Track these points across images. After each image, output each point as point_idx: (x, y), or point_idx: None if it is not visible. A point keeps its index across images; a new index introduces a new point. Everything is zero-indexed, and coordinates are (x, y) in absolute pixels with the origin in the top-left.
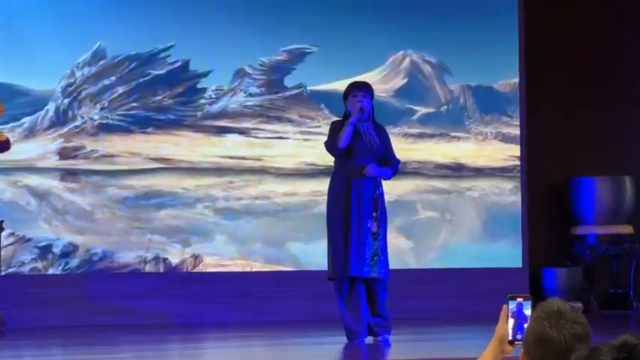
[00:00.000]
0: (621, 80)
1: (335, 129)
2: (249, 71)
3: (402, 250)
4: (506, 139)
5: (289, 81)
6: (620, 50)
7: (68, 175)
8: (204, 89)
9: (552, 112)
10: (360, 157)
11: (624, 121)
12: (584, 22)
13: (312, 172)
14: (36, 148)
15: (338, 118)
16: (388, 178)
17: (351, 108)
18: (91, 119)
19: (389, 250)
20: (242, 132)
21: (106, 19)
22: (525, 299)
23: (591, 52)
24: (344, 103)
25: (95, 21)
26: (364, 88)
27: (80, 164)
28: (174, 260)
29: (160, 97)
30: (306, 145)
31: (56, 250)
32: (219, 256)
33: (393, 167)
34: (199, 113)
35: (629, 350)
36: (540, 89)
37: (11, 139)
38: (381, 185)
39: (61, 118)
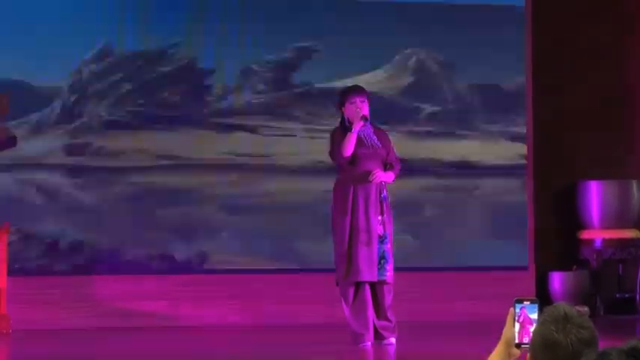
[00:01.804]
0: (629, 83)
1: (337, 138)
2: (256, 69)
3: (407, 250)
4: (512, 137)
5: (296, 79)
6: (628, 51)
7: (75, 171)
8: (210, 86)
9: (559, 116)
10: (365, 164)
11: (631, 125)
12: (591, 22)
13: (318, 170)
14: (43, 145)
15: (337, 125)
16: (391, 181)
17: (350, 115)
18: (98, 116)
19: (395, 249)
20: (249, 129)
21: (113, 17)
22: (532, 302)
23: (599, 53)
24: (340, 109)
25: (102, 18)
26: (361, 93)
27: (87, 161)
28: (181, 258)
29: (166, 95)
30: (312, 142)
31: (62, 247)
32: (226, 254)
33: (396, 170)
34: (206, 110)
35: (638, 355)
36: (547, 88)
37: (18, 136)
38: (385, 188)
39: (68, 115)
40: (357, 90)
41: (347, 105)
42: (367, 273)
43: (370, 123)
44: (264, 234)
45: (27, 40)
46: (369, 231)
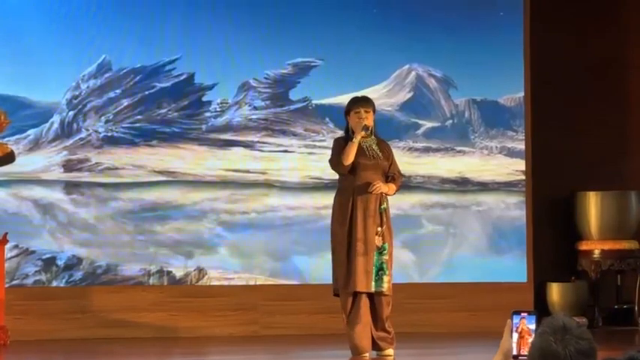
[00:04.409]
0: (627, 95)
1: (338, 146)
2: (254, 84)
3: (406, 264)
4: (511, 153)
5: (294, 94)
6: (626, 65)
7: (72, 187)
8: (209, 102)
9: (558, 127)
10: (366, 174)
11: (629, 136)
12: (589, 37)
13: (316, 186)
14: (41, 161)
15: (341, 133)
16: (392, 193)
17: (353, 125)
18: (96, 132)
19: (394, 264)
20: (247, 145)
21: (111, 32)
22: (529, 314)
23: (596, 67)
24: (345, 119)
25: (100, 34)
26: (366, 104)
27: (85, 177)
28: (178, 273)
29: (164, 110)
30: (310, 158)
31: (60, 262)
32: (224, 270)
33: (397, 182)
34: (204, 126)
35: None
36: (546, 104)
37: (16, 152)
38: (386, 200)
39: (65, 131)
40: (363, 100)
41: (352, 114)
42: (363, 284)
43: (375, 134)
44: (262, 250)
45: (25, 56)
46: (366, 242)
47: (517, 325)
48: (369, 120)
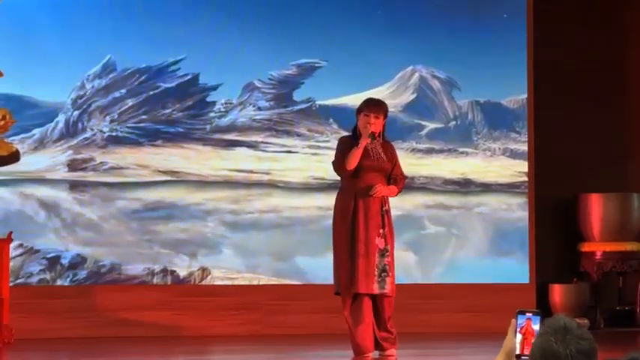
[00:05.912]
0: (629, 97)
1: (343, 146)
2: (259, 85)
3: (409, 265)
4: (514, 155)
5: (298, 95)
6: (628, 67)
7: (77, 186)
8: (213, 102)
9: (560, 129)
10: (368, 176)
11: (632, 138)
12: (592, 40)
13: (320, 187)
14: (45, 160)
15: (347, 133)
16: (394, 195)
17: (361, 127)
18: (101, 131)
19: (396, 264)
20: (251, 145)
21: (116, 32)
22: (534, 314)
23: (599, 70)
24: (356, 117)
25: (106, 34)
26: (377, 109)
27: (89, 176)
28: (182, 273)
29: (169, 110)
30: (314, 159)
31: (64, 261)
32: (227, 269)
33: (400, 185)
34: (208, 126)
35: None
36: (548, 106)
37: (21, 151)
38: (388, 201)
39: (70, 130)
40: (375, 104)
41: (361, 115)
42: (364, 285)
43: (382, 137)
44: (266, 250)
45: (30, 56)
46: (367, 243)
47: (522, 325)
48: (377, 126)
